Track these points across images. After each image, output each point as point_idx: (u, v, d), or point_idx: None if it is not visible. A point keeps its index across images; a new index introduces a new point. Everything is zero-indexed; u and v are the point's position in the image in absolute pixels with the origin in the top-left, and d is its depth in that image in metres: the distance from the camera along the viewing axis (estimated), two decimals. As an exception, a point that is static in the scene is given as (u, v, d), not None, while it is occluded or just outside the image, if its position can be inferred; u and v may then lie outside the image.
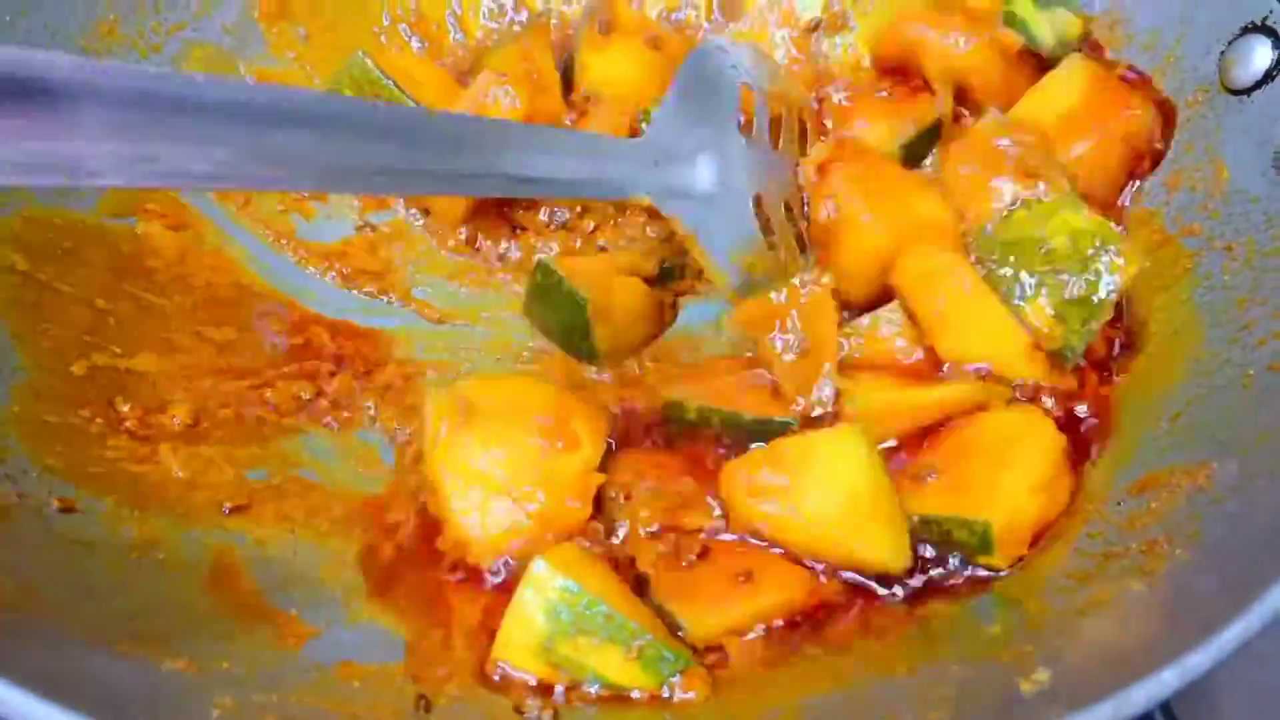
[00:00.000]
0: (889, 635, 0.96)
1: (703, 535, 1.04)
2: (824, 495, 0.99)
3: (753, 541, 1.03)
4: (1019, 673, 0.78)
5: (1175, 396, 1.05)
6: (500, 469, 1.04)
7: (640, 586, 1.00)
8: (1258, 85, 1.13)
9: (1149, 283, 1.15)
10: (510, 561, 1.03)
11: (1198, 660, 0.69)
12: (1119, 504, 0.99)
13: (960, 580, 1.00)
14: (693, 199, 1.24)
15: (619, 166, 1.19)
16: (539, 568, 0.93)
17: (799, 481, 1.00)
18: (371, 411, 1.23)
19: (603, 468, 1.09)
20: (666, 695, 0.91)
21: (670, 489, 1.08)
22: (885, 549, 0.99)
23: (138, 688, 0.78)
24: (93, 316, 1.15)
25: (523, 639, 0.92)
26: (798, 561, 1.01)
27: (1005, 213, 1.14)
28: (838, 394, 1.11)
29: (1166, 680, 0.68)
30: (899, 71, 1.37)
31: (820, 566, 1.01)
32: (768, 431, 1.09)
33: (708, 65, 1.28)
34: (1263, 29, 1.13)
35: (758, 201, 1.28)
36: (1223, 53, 1.17)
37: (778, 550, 1.02)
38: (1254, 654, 1.11)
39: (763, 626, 0.97)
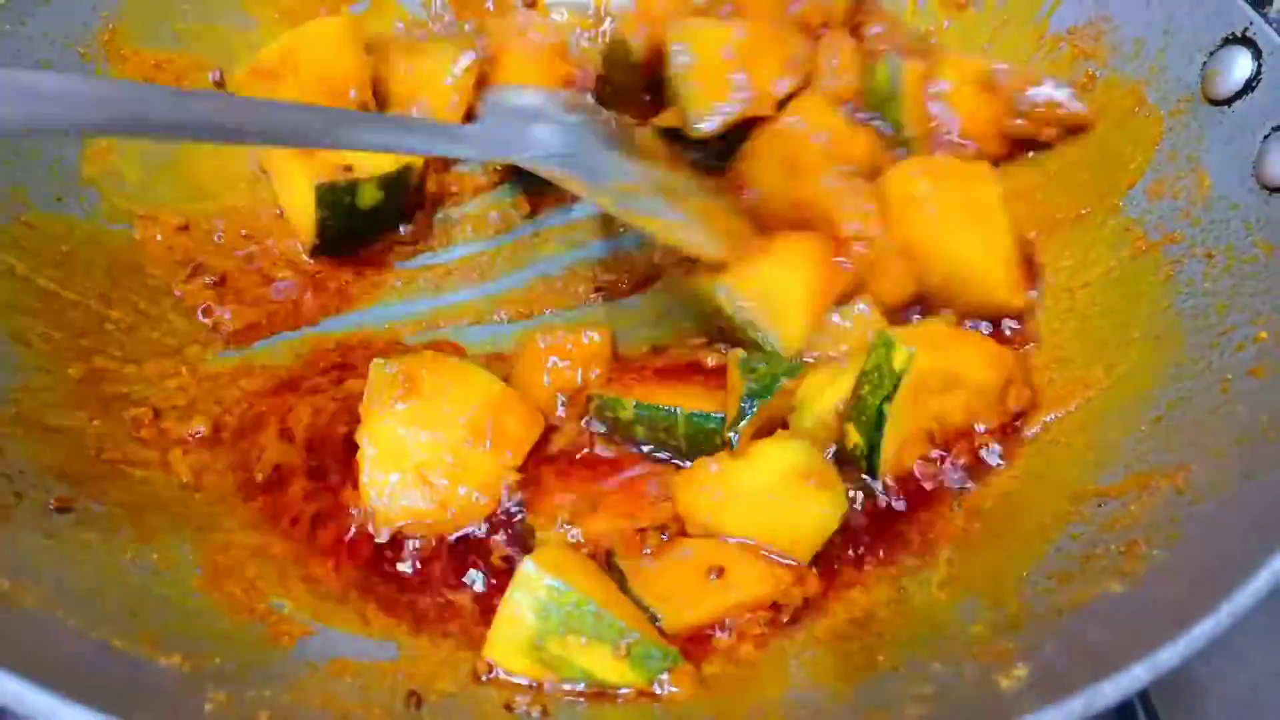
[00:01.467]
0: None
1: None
2: (756, 474, 1.06)
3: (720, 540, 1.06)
4: (998, 670, 0.80)
5: (1156, 400, 1.07)
6: (420, 451, 1.07)
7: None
8: (1238, 95, 1.15)
9: (1129, 290, 1.18)
10: (401, 534, 1.07)
11: (1167, 656, 0.71)
12: (1100, 506, 1.00)
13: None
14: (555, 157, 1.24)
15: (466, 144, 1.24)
16: (528, 567, 0.94)
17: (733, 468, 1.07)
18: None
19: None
20: (656, 691, 0.92)
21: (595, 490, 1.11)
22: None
23: (133, 683, 0.79)
24: (91, 321, 1.17)
25: (513, 638, 0.94)
26: (769, 556, 1.05)
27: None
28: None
29: (1137, 675, 0.70)
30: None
31: (789, 561, 1.04)
32: (703, 429, 1.10)
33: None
34: (1243, 40, 1.15)
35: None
36: (1205, 63, 1.19)
37: (748, 541, 1.05)
38: (1235, 653, 1.15)
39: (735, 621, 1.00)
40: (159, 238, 1.29)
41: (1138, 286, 1.17)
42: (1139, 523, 0.94)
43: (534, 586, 0.93)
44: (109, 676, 0.79)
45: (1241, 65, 1.15)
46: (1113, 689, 0.69)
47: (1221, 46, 1.17)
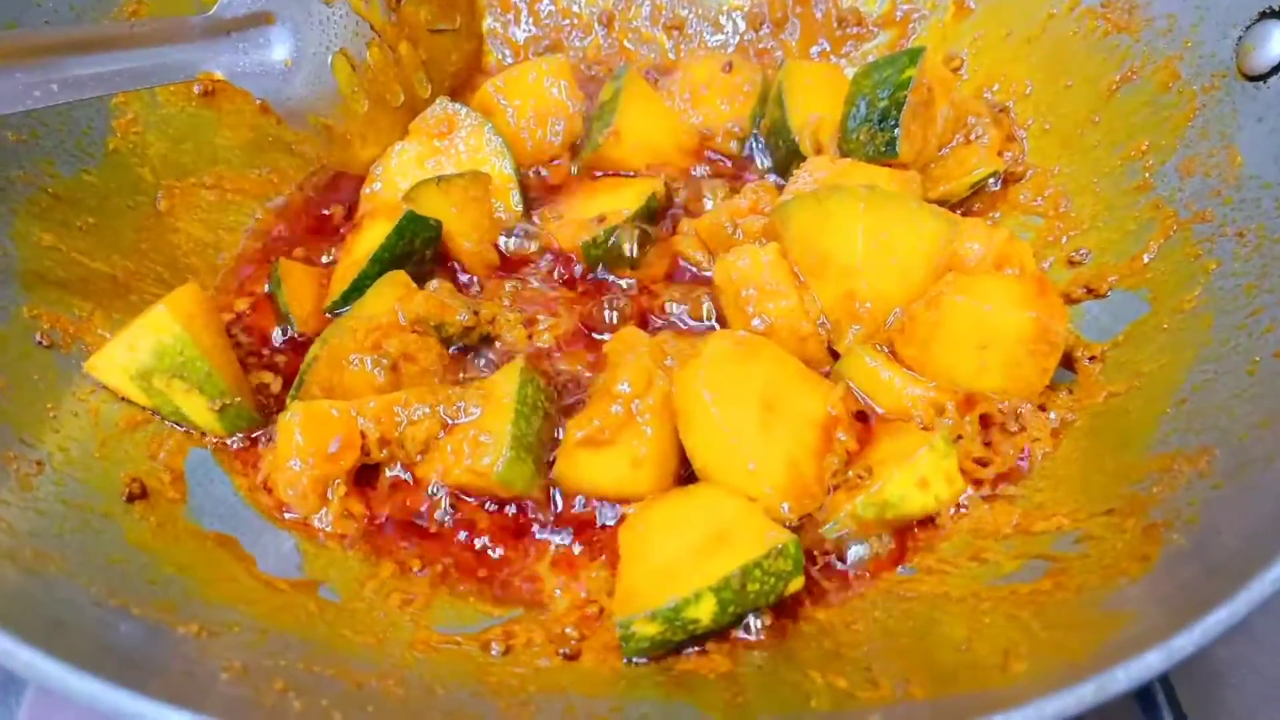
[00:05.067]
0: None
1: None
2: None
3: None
4: (1007, 655, 0.79)
5: (1182, 382, 1.05)
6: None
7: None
8: (1274, 71, 1.12)
9: (1158, 268, 1.16)
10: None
11: (1182, 643, 0.69)
12: (1123, 489, 0.99)
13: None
14: (268, 73, 1.29)
15: (184, 51, 1.20)
16: (160, 309, 1.09)
17: None
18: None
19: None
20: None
21: None
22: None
23: (152, 649, 0.81)
24: (117, 291, 1.19)
25: (124, 364, 1.08)
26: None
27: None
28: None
29: (1151, 662, 0.69)
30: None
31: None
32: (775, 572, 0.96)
33: None
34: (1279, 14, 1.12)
35: (342, 53, 1.36)
36: (1240, 38, 1.16)
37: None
38: (1257, 640, 1.14)
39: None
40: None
41: (1165, 264, 1.16)
42: (1160, 505, 0.92)
43: (160, 330, 1.08)
44: (129, 644, 0.80)
45: (1278, 40, 1.12)
46: (1125, 675, 0.68)
47: (1258, 21, 1.14)
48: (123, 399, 1.10)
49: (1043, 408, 1.13)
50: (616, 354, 1.16)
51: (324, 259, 1.36)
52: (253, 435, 1.15)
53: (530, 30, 1.64)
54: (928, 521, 1.06)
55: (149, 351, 1.07)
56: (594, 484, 1.09)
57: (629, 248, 1.32)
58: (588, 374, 1.21)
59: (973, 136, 1.36)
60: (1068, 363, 1.17)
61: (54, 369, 1.07)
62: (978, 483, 1.09)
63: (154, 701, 0.66)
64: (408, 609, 1.01)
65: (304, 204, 1.44)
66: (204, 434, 1.13)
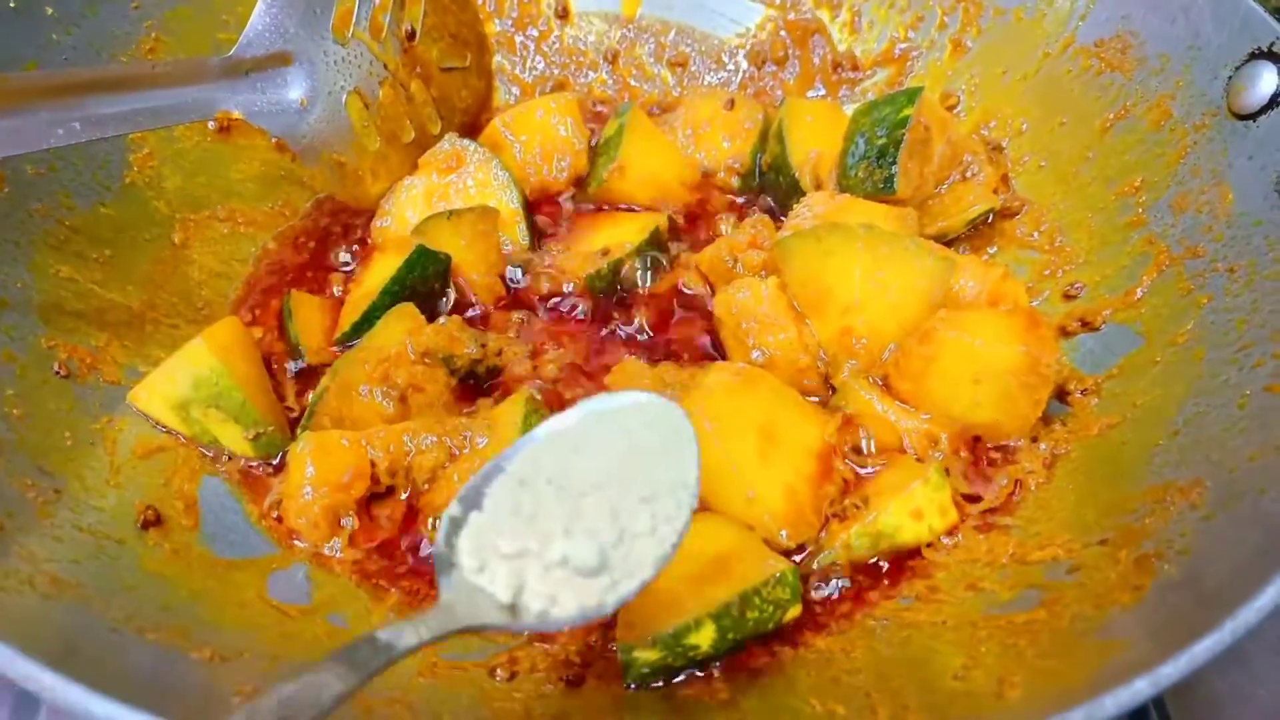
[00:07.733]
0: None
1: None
2: None
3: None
4: (1002, 683, 0.81)
5: (1174, 415, 1.07)
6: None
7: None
8: (1263, 110, 1.15)
9: (1151, 302, 1.18)
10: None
11: (1170, 671, 0.71)
12: (1116, 520, 1.01)
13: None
14: (284, 112, 1.32)
15: (203, 90, 1.23)
16: (197, 342, 1.14)
17: None
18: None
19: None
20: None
21: None
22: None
23: (166, 674, 0.82)
24: (133, 322, 1.21)
25: (165, 394, 1.13)
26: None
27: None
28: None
29: (1139, 689, 0.71)
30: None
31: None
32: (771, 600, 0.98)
33: None
34: (1269, 55, 1.15)
35: (356, 92, 1.40)
36: (1230, 78, 1.19)
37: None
38: (1253, 670, 1.15)
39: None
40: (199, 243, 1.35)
41: (1157, 299, 1.18)
42: (1152, 536, 0.94)
43: (198, 363, 1.13)
44: (143, 668, 0.82)
45: (1267, 80, 1.14)
46: (1113, 702, 0.70)
47: (1247, 61, 1.17)
48: (156, 425, 1.13)
49: (1035, 439, 1.15)
50: (618, 385, 1.18)
51: (334, 290, 1.38)
52: (267, 464, 1.17)
53: (538, 68, 1.68)
54: (922, 552, 1.08)
55: (187, 383, 1.12)
56: (596, 512, 1.11)
57: (641, 275, 1.35)
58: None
59: (969, 174, 1.39)
60: (1062, 396, 1.19)
61: (71, 399, 1.09)
62: (968, 516, 1.12)
63: (172, 723, 0.68)
64: (414, 636, 1.02)
65: (311, 234, 1.46)
66: (230, 457, 1.15)
